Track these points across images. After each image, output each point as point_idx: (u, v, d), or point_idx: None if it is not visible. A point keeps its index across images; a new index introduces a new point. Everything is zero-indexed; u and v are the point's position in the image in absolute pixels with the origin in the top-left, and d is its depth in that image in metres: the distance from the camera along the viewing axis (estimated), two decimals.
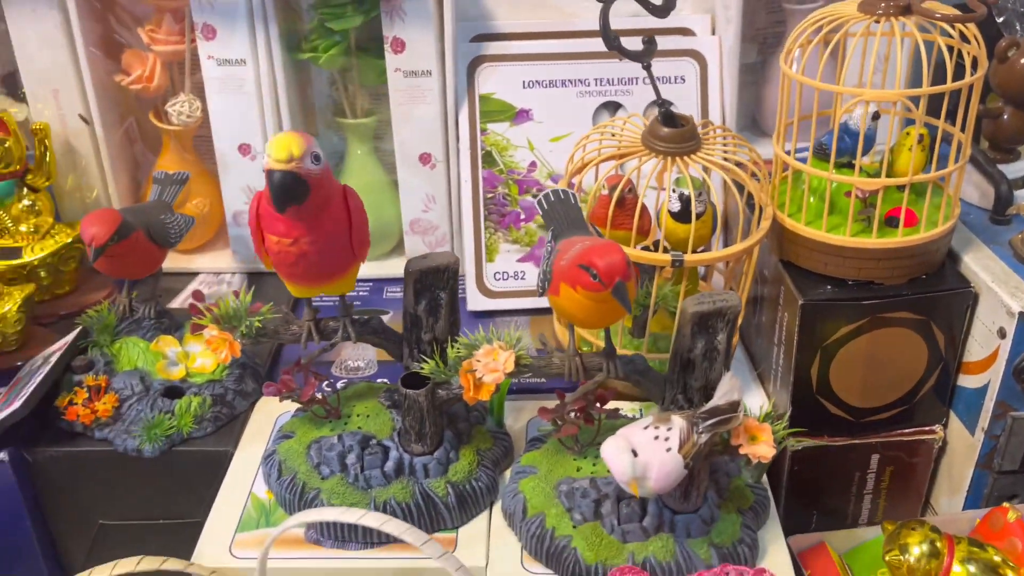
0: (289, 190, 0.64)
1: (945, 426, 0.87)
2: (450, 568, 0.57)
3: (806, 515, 0.90)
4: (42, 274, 0.97)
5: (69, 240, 0.98)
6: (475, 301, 1.01)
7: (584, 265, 0.61)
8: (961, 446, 0.86)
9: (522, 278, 1.03)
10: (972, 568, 0.72)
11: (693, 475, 0.66)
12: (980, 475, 0.85)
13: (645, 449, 0.61)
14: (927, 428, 0.87)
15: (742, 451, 0.65)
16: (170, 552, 0.70)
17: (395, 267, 1.08)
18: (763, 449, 0.64)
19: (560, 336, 0.94)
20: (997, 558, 0.72)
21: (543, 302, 0.99)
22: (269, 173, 0.64)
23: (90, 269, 1.05)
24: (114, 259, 0.83)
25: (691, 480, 0.66)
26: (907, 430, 0.87)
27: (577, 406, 0.73)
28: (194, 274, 1.08)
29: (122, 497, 0.84)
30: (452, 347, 0.72)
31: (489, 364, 0.67)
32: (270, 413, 0.86)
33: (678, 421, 0.62)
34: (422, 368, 0.73)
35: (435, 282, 0.74)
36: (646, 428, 0.62)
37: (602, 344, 0.74)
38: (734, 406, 0.63)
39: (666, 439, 0.61)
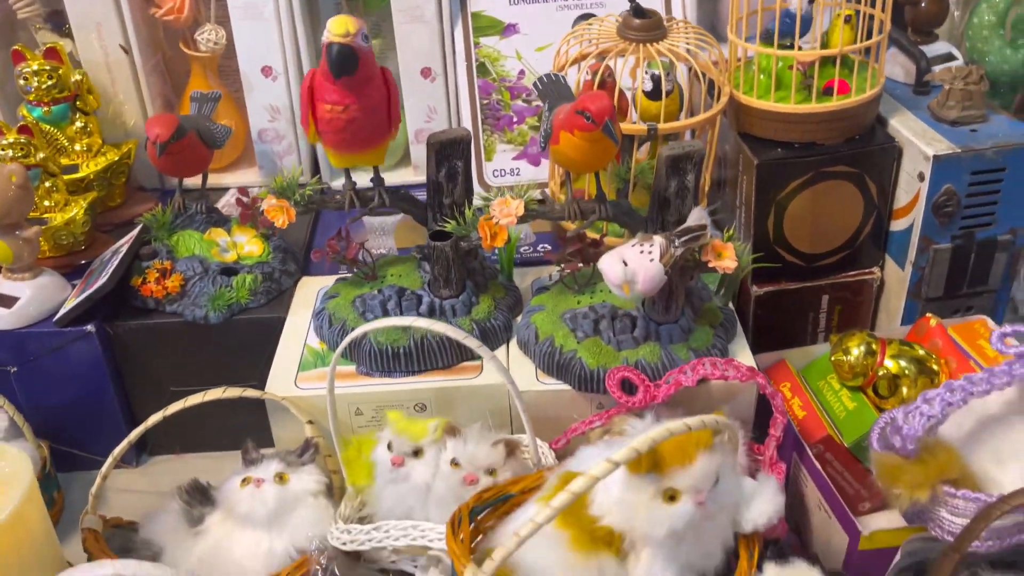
0: (345, 59, 0.77)
1: (882, 268, 1.04)
2: (486, 356, 0.72)
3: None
4: (96, 187, 1.10)
5: (117, 158, 1.11)
6: (477, 198, 1.16)
7: (579, 111, 0.76)
8: (894, 282, 1.02)
9: (517, 174, 1.17)
10: (902, 362, 0.88)
11: (672, 288, 0.81)
12: (911, 304, 1.01)
13: (633, 260, 0.76)
14: (867, 270, 1.03)
15: (711, 265, 0.80)
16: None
17: (403, 176, 1.23)
18: (727, 262, 0.80)
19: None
20: (922, 352, 0.89)
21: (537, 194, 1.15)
22: (328, 46, 0.77)
23: (136, 187, 1.19)
24: (173, 156, 0.96)
25: (670, 293, 0.82)
26: (851, 272, 1.03)
27: (575, 247, 0.88)
28: (224, 189, 1.21)
29: (190, 366, 0.97)
30: (469, 208, 0.86)
31: (504, 211, 0.82)
32: (312, 288, 1.00)
33: (658, 239, 0.78)
34: (445, 226, 0.88)
35: (452, 152, 0.88)
36: (633, 245, 0.78)
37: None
38: (702, 227, 0.78)
39: (649, 252, 0.76)
